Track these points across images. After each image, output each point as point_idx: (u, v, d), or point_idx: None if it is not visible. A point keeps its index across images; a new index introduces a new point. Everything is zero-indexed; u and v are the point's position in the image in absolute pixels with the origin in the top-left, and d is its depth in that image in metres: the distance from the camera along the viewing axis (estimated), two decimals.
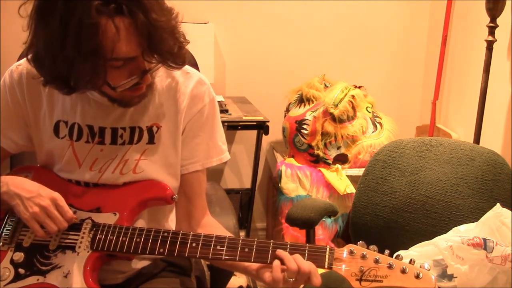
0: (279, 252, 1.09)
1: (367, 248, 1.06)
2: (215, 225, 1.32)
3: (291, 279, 1.06)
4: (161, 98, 1.21)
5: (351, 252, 1.06)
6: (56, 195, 1.15)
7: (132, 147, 1.22)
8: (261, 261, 1.11)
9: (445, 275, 1.29)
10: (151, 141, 1.23)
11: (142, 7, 0.99)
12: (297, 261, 1.06)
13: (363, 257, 1.05)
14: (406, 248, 1.40)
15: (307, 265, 1.06)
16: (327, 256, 1.07)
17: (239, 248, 1.12)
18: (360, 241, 1.07)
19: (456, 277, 1.27)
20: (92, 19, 0.96)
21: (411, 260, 1.04)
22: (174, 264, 1.37)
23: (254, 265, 1.15)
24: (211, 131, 1.27)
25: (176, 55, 1.08)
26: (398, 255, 1.05)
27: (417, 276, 1.01)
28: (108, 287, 1.26)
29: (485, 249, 1.26)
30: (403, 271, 1.02)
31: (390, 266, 1.03)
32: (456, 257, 1.27)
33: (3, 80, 1.27)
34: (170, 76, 1.24)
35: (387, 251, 1.06)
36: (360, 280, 1.03)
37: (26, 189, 1.15)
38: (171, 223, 1.36)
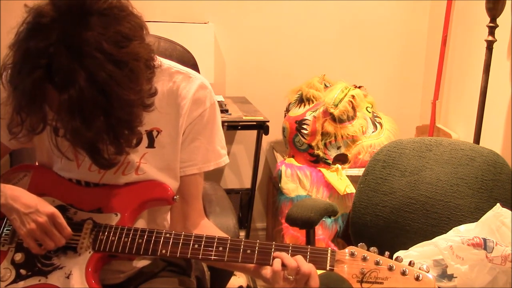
0: (277, 253, 1.10)
1: (368, 250, 1.07)
2: (211, 227, 1.32)
3: (291, 277, 1.07)
4: (162, 102, 1.20)
5: (352, 254, 1.07)
6: (54, 211, 1.13)
7: (131, 151, 1.21)
8: (263, 263, 1.12)
9: (445, 275, 1.29)
10: (151, 145, 1.23)
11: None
12: (298, 262, 1.07)
13: (364, 259, 1.05)
14: (406, 248, 1.40)
15: (307, 267, 1.07)
16: (328, 258, 1.08)
17: (241, 250, 1.12)
18: (361, 243, 1.08)
19: (456, 277, 1.28)
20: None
21: (410, 262, 1.05)
22: (174, 263, 1.37)
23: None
24: (210, 136, 1.27)
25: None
26: (398, 257, 1.05)
27: (417, 278, 1.02)
28: (108, 287, 1.26)
29: (485, 249, 1.26)
30: (403, 273, 1.02)
31: (390, 268, 1.03)
32: (456, 257, 1.28)
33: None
34: (172, 80, 1.23)
35: (387, 253, 1.06)
36: (361, 281, 1.04)
37: (24, 204, 1.12)
38: (167, 222, 1.36)
